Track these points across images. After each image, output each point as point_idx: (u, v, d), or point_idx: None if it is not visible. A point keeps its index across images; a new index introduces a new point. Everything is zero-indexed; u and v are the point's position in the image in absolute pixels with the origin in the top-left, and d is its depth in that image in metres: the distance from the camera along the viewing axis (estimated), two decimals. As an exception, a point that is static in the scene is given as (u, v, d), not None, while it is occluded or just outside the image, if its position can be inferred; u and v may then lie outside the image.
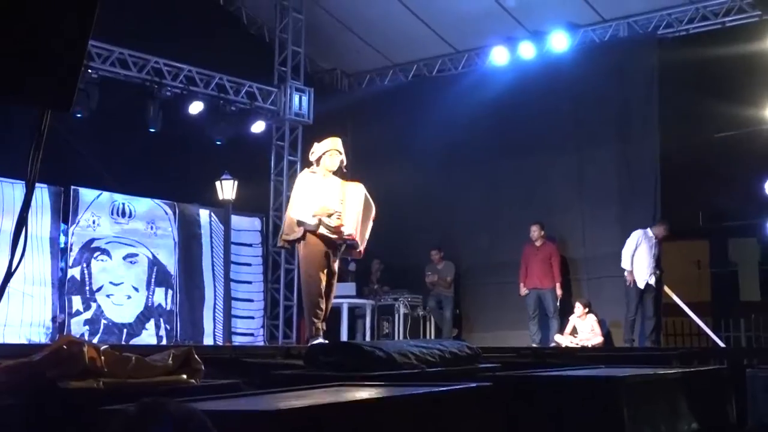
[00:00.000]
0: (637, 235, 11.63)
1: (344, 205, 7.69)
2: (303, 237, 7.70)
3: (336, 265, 7.89)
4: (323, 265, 7.70)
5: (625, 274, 11.60)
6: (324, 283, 7.71)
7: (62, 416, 3.44)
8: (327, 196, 7.67)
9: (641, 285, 11.51)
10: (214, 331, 12.70)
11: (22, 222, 2.98)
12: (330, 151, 7.80)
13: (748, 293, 15.49)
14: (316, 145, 7.95)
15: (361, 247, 7.97)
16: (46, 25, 2.87)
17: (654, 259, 11.57)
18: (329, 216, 7.60)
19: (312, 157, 7.90)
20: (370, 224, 8.00)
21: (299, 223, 7.71)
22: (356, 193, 7.82)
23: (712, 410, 5.20)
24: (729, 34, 12.20)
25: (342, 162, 7.88)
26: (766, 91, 11.92)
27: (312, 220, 7.61)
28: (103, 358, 3.74)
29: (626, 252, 11.59)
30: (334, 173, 7.86)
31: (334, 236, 7.66)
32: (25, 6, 2.78)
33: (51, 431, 3.37)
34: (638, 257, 11.58)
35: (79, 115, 11.31)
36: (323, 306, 7.75)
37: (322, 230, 7.62)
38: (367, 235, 7.97)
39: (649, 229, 11.67)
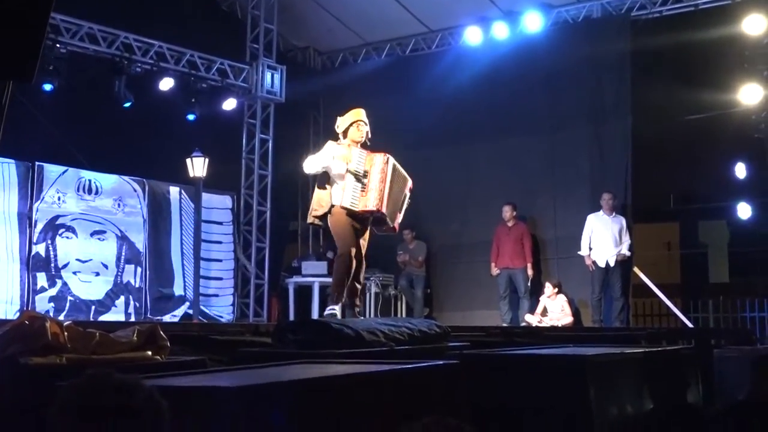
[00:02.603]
0: (589, 220, 11.85)
1: (369, 177, 7.39)
2: (330, 211, 7.42)
3: (364, 240, 7.57)
4: (353, 234, 7.39)
5: (584, 258, 11.77)
6: (354, 253, 7.41)
7: (23, 392, 3.39)
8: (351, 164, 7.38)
9: (602, 264, 11.63)
10: (184, 308, 12.63)
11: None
12: (357, 122, 7.58)
13: (717, 275, 15.65)
14: (339, 118, 7.71)
15: (396, 223, 7.69)
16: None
17: (615, 235, 11.66)
18: (356, 175, 7.28)
19: (338, 130, 7.65)
20: (405, 196, 7.72)
21: (320, 186, 7.44)
22: (382, 164, 7.47)
23: (680, 389, 5.24)
24: (702, 16, 12.22)
25: (367, 133, 7.64)
26: (738, 75, 11.96)
27: (341, 167, 7.31)
28: (66, 333, 3.70)
29: (583, 238, 11.82)
30: (361, 145, 7.58)
31: (357, 210, 7.34)
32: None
33: (11, 408, 3.32)
34: (596, 239, 11.77)
35: (48, 89, 11.18)
36: (347, 283, 7.47)
37: (345, 204, 7.30)
38: (402, 208, 7.71)
39: (600, 211, 11.80)
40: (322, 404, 2.94)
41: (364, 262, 7.66)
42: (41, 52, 3.05)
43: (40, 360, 3.54)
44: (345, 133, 7.61)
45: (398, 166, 7.65)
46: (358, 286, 7.63)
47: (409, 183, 7.80)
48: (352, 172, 7.29)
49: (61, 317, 10.44)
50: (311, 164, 7.50)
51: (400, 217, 7.78)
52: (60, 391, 1.90)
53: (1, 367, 3.47)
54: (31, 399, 3.32)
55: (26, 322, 3.65)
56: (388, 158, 7.55)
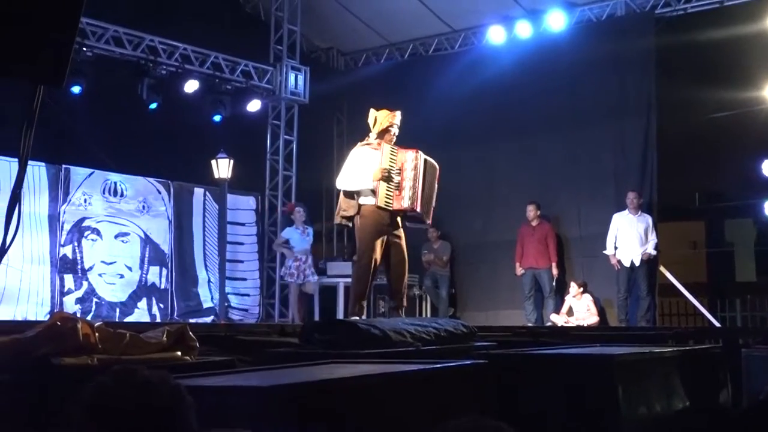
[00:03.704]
0: (614, 219, 11.81)
1: (402, 176, 7.38)
2: (359, 211, 7.44)
3: (399, 238, 7.51)
4: (375, 240, 7.34)
5: (610, 257, 11.74)
6: (378, 258, 7.37)
7: (55, 392, 3.43)
8: (381, 165, 7.37)
9: (627, 263, 11.58)
10: (210, 309, 12.69)
11: (15, 199, 2.97)
12: (393, 125, 7.57)
13: (744, 273, 15.52)
14: (375, 113, 7.67)
15: (429, 219, 7.75)
16: (38, 1, 2.85)
17: (641, 234, 11.61)
18: (387, 178, 7.29)
19: (372, 128, 7.63)
20: (435, 187, 7.70)
21: (347, 194, 7.48)
22: (414, 161, 7.46)
23: (707, 389, 5.21)
24: (727, 13, 12.13)
25: (395, 135, 7.66)
26: (764, 72, 11.88)
27: (370, 184, 7.34)
28: (97, 334, 3.73)
29: (608, 237, 11.78)
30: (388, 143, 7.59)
31: (390, 209, 7.33)
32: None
33: (44, 407, 3.36)
34: (621, 238, 11.72)
35: (76, 92, 11.29)
36: (370, 284, 7.45)
37: (380, 204, 7.30)
38: (433, 202, 7.70)
39: (625, 210, 11.75)
40: (351, 404, 2.95)
41: (406, 261, 7.61)
42: (71, 57, 3.08)
43: (72, 360, 3.58)
44: (380, 133, 7.60)
45: (428, 158, 7.65)
46: (403, 288, 7.59)
47: (437, 171, 7.76)
48: (384, 178, 7.30)
49: (88, 318, 10.53)
50: (347, 184, 7.52)
51: (432, 210, 7.77)
52: (86, 388, 1.93)
53: (34, 368, 3.51)
54: (62, 399, 3.36)
55: (58, 323, 3.69)
56: (418, 154, 7.55)
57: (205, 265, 12.82)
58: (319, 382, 3.17)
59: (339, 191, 7.72)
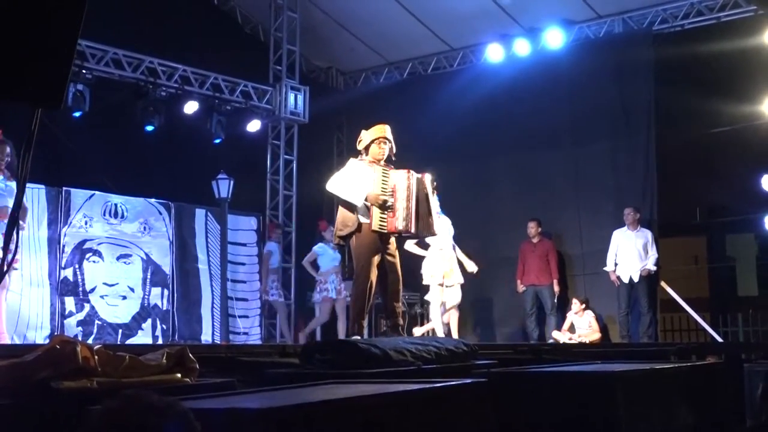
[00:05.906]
0: (614, 236, 11.88)
1: (395, 197, 7.33)
2: (358, 230, 7.36)
3: (393, 257, 7.45)
4: (372, 257, 7.30)
5: (609, 274, 11.79)
6: (374, 277, 7.33)
7: (55, 416, 3.42)
8: (374, 187, 7.33)
9: (626, 279, 11.60)
10: (211, 331, 12.67)
11: (13, 222, 2.98)
12: (379, 139, 7.48)
13: (746, 288, 15.51)
14: (363, 132, 7.61)
15: (433, 229, 7.69)
16: (35, 24, 2.86)
17: (640, 250, 11.62)
18: (381, 205, 7.27)
19: (359, 146, 7.56)
20: (428, 197, 7.60)
21: (347, 207, 7.38)
22: (406, 182, 7.41)
23: (710, 405, 5.19)
24: (724, 29, 12.18)
25: (391, 150, 7.56)
26: (763, 86, 11.91)
27: (360, 201, 7.29)
28: (96, 357, 3.72)
29: (609, 254, 11.86)
30: (384, 162, 7.53)
31: (384, 231, 7.31)
32: (13, 5, 2.76)
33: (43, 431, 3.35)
34: (621, 254, 11.78)
35: (76, 115, 11.32)
36: (370, 302, 7.39)
37: (374, 228, 7.27)
38: (432, 216, 7.61)
39: (625, 226, 11.78)
40: (351, 424, 2.94)
41: (400, 279, 7.56)
42: (69, 79, 3.09)
43: (72, 384, 3.56)
44: (366, 149, 7.55)
45: (417, 176, 7.58)
46: (398, 306, 7.52)
47: (425, 183, 7.62)
48: (379, 204, 7.29)
49: (89, 341, 10.50)
50: (338, 189, 7.45)
51: (434, 221, 7.69)
52: (93, 412, 1.92)
53: (34, 392, 3.50)
54: (63, 423, 3.34)
55: (57, 346, 3.68)
56: (410, 174, 7.52)
57: (211, 286, 12.81)
58: (320, 402, 3.15)
59: (337, 210, 7.61)
